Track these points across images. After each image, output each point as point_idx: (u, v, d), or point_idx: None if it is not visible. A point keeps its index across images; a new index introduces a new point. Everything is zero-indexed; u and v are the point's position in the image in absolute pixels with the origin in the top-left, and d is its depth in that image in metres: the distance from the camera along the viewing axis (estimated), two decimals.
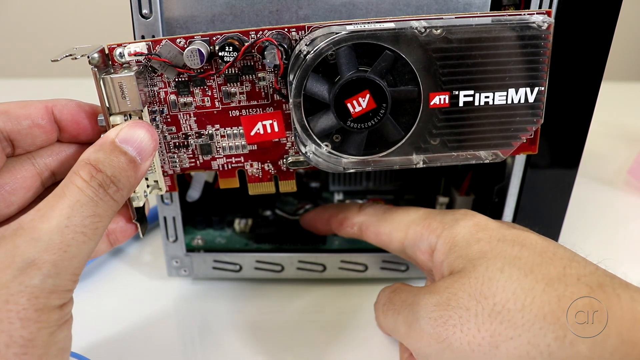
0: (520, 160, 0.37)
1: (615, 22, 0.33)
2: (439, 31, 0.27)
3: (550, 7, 0.32)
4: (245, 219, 0.44)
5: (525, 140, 0.30)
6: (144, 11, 0.30)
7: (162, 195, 0.37)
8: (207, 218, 0.43)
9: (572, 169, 0.37)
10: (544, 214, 0.39)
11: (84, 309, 0.40)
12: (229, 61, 0.28)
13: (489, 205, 0.40)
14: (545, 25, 0.27)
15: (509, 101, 0.28)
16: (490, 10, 0.32)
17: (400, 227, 0.33)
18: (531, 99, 0.29)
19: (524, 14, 0.28)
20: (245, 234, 0.43)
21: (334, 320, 0.39)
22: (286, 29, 0.28)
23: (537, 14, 0.28)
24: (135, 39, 0.31)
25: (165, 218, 0.38)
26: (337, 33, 0.26)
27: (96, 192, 0.24)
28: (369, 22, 0.27)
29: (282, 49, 0.27)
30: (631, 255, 0.47)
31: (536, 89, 0.28)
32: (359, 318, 0.39)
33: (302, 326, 0.38)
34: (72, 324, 0.24)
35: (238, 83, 0.30)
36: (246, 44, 0.28)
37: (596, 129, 0.39)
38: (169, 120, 0.31)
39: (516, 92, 0.28)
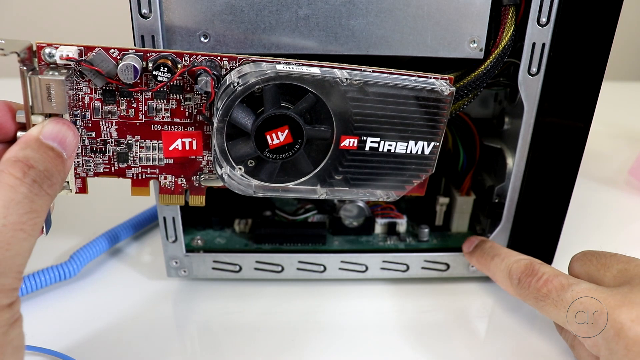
0: (520, 160, 0.37)
1: (616, 22, 0.33)
2: (357, 82, 0.29)
3: (551, 7, 0.32)
4: (245, 219, 0.44)
5: (415, 184, 0.34)
6: (144, 11, 0.30)
7: None
8: (206, 218, 0.43)
9: (573, 169, 0.37)
10: (544, 214, 0.39)
11: (83, 309, 0.40)
12: (163, 81, 0.29)
13: (489, 206, 0.40)
14: (448, 91, 0.30)
15: (408, 151, 0.32)
16: (491, 9, 0.32)
17: None
18: (427, 151, 0.32)
19: (430, 78, 0.31)
20: (245, 234, 0.43)
21: (334, 321, 0.39)
22: (219, 57, 0.30)
23: (441, 79, 0.31)
24: (134, 39, 0.31)
25: (164, 218, 0.38)
26: (267, 71, 0.28)
27: (31, 188, 0.24)
28: (296, 64, 0.29)
29: (214, 77, 0.29)
30: (631, 256, 0.47)
31: (432, 144, 0.32)
32: (359, 319, 0.39)
33: (302, 326, 0.38)
34: (22, 322, 0.24)
35: (165, 100, 0.30)
36: (181, 68, 0.29)
37: (597, 129, 0.39)
38: (89, 125, 0.31)
39: (415, 144, 0.32)
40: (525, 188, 0.38)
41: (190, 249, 0.41)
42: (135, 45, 0.31)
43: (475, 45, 0.33)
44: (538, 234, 0.39)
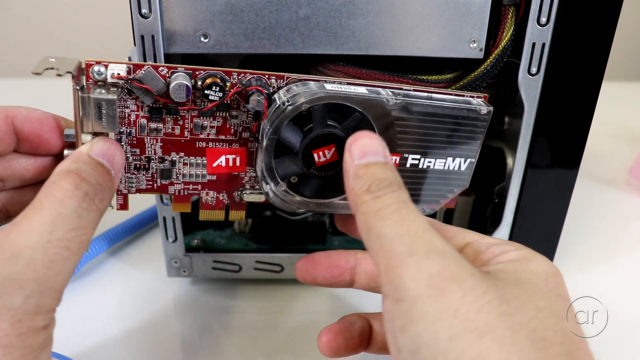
0: (520, 160, 0.37)
1: (616, 22, 0.33)
2: (401, 102, 0.30)
3: (551, 7, 0.32)
4: (245, 219, 0.44)
5: (450, 198, 0.34)
6: (144, 11, 0.30)
7: (161, 195, 0.37)
8: None
9: (573, 169, 0.37)
10: (544, 214, 0.39)
11: (83, 310, 0.40)
12: (215, 100, 0.29)
13: (489, 205, 0.40)
14: (485, 110, 0.31)
15: (446, 167, 0.33)
16: (491, 9, 0.32)
17: None
18: (463, 167, 0.33)
19: (467, 96, 0.32)
20: (245, 234, 0.43)
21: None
22: (267, 76, 0.30)
23: (476, 97, 0.32)
24: (135, 39, 0.31)
25: (164, 218, 0.38)
26: (316, 91, 0.29)
27: (81, 202, 0.23)
28: (341, 83, 0.30)
29: (267, 96, 0.29)
30: (631, 256, 0.47)
31: (468, 161, 0.33)
32: None
33: (302, 326, 0.38)
34: (52, 345, 0.23)
35: (211, 118, 0.30)
36: (233, 87, 0.29)
37: (597, 128, 0.39)
38: (134, 142, 0.30)
39: (453, 161, 0.32)
40: (525, 188, 0.38)
41: (190, 249, 0.41)
42: (135, 45, 0.31)
43: (475, 45, 0.33)
44: (538, 233, 0.39)
